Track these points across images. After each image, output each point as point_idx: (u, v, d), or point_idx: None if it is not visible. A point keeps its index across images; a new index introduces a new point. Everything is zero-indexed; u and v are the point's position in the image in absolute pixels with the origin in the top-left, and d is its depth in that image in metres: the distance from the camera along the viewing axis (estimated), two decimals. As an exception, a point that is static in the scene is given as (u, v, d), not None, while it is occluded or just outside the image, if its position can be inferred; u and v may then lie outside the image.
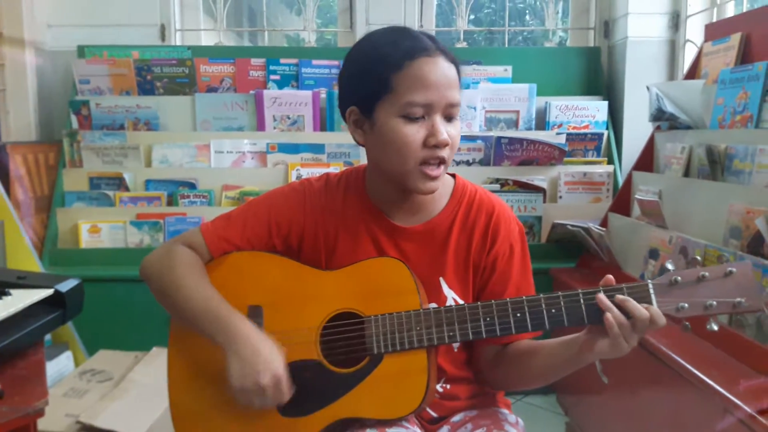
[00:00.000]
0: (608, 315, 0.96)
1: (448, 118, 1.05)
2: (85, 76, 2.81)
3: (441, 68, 1.03)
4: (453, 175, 1.19)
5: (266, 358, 1.01)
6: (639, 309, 0.96)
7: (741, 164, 1.80)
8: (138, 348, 2.07)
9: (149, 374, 1.88)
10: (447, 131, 1.04)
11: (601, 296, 0.98)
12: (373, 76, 1.03)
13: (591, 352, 1.00)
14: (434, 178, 1.06)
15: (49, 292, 1.34)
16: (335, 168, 2.68)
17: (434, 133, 1.03)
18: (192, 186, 2.67)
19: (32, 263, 2.29)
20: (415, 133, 1.03)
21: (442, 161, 1.05)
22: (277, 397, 1.02)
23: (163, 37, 2.97)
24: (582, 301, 1.00)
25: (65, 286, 1.37)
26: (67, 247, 2.60)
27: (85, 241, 2.59)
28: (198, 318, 1.07)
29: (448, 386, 1.16)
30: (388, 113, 1.04)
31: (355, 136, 1.11)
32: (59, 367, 2.08)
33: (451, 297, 1.14)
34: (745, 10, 2.42)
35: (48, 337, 2.16)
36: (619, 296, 0.97)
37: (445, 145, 1.04)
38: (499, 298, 1.05)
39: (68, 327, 2.30)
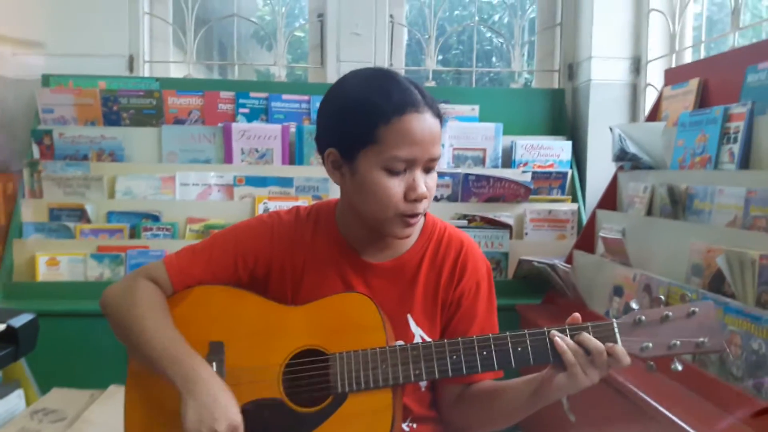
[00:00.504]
0: (558, 341, 0.97)
1: (427, 170, 1.06)
2: (49, 106, 2.76)
3: (427, 124, 1.03)
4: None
5: (223, 405, 0.98)
6: (592, 341, 0.97)
7: (701, 204, 1.84)
8: (94, 386, 1.99)
9: (105, 414, 1.80)
10: (426, 184, 1.05)
11: (553, 332, 0.99)
12: (359, 124, 1.03)
13: (551, 386, 1.00)
14: (411, 225, 1.07)
15: (1, 327, 1.29)
16: (303, 201, 2.67)
17: (414, 187, 1.03)
18: (155, 218, 2.62)
19: (-15, 296, 2.21)
20: (396, 186, 1.03)
21: (420, 214, 1.06)
22: None
23: (131, 68, 2.95)
24: (548, 339, 1.00)
25: (18, 321, 1.33)
26: (22, 280, 2.51)
27: (43, 273, 2.51)
28: (157, 359, 1.03)
29: (414, 425, 1.14)
30: (371, 163, 1.03)
31: (332, 176, 1.11)
32: (9, 406, 1.98)
33: (419, 334, 1.13)
34: (702, 57, 2.51)
35: (-2, 374, 2.07)
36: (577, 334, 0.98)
37: (423, 198, 1.05)
38: (463, 336, 1.05)
39: (20, 364, 2.20)
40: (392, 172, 1.03)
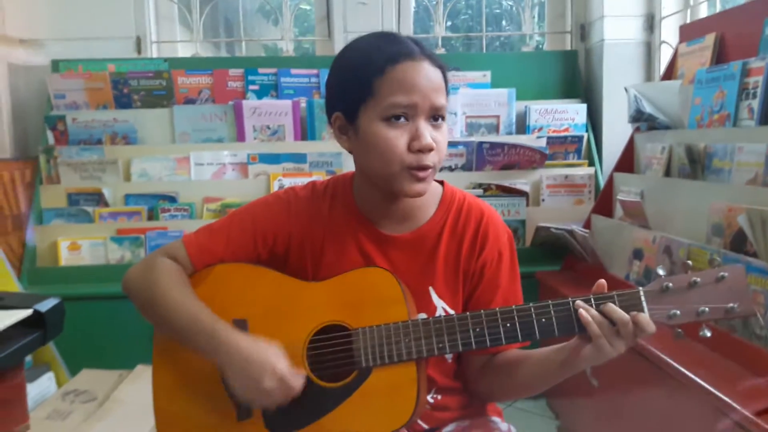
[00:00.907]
0: (583, 312, 0.96)
1: (434, 120, 1.03)
2: (60, 91, 2.77)
3: (425, 71, 1.01)
4: (441, 182, 1.18)
5: (261, 362, 0.99)
6: (617, 311, 0.95)
7: (720, 162, 1.81)
8: (122, 366, 2.03)
9: (134, 393, 1.84)
10: (432, 136, 1.02)
11: (578, 302, 0.98)
12: (356, 81, 1.02)
13: (578, 358, 0.99)
14: (422, 180, 1.03)
15: (28, 312, 1.31)
16: (317, 177, 2.67)
17: (417, 137, 1.00)
18: (172, 199, 2.64)
19: (10, 283, 2.24)
20: (398, 136, 1.01)
21: (428, 169, 1.03)
22: (287, 393, 1.00)
23: (139, 50, 2.94)
24: (572, 309, 0.99)
25: (45, 306, 1.34)
26: (46, 266, 2.55)
27: (65, 258, 2.54)
28: (184, 331, 1.05)
29: (439, 397, 1.15)
30: (371, 118, 1.02)
31: (340, 142, 1.10)
32: (41, 388, 2.03)
33: (441, 307, 1.12)
34: (718, 11, 2.45)
35: (28, 358, 2.11)
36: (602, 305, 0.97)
37: (429, 149, 1.01)
38: (486, 307, 1.05)
39: (49, 347, 2.25)
40: (393, 122, 1.01)
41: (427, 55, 1.03)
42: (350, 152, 1.11)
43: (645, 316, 0.95)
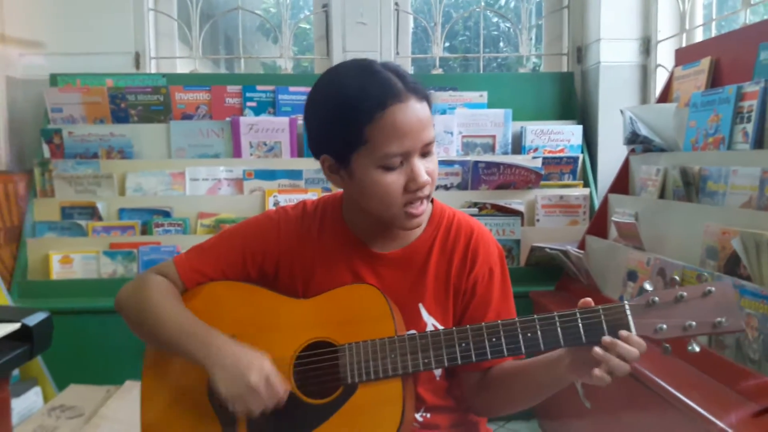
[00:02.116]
0: (598, 351, 0.94)
1: (425, 155, 1.04)
2: (57, 105, 2.77)
3: (413, 112, 1.00)
4: (431, 200, 1.18)
5: (250, 360, 1.00)
6: (630, 351, 0.93)
7: (715, 185, 1.82)
8: (110, 382, 2.02)
9: (122, 409, 1.82)
10: (426, 168, 1.03)
11: (595, 350, 0.94)
12: (345, 128, 1.00)
13: (577, 376, 0.99)
14: (418, 216, 1.05)
15: (16, 326, 1.30)
16: (313, 194, 2.67)
17: (414, 177, 1.01)
18: (167, 214, 2.63)
19: (0, 296, 2.22)
20: (395, 180, 1.01)
21: (425, 199, 1.05)
22: (271, 394, 1.00)
23: (137, 65, 2.95)
24: (558, 324, 0.98)
25: (33, 320, 1.33)
26: (37, 279, 2.53)
27: (56, 272, 2.53)
28: (176, 339, 1.05)
29: (428, 415, 1.14)
30: (365, 164, 1.01)
31: (331, 181, 1.10)
32: (27, 403, 2.01)
33: (431, 323, 1.12)
34: (713, 35, 2.47)
35: (15, 372, 2.09)
36: (607, 339, 0.94)
37: (425, 185, 1.03)
38: (479, 323, 1.04)
39: (37, 361, 2.23)
40: (388, 169, 1.01)
41: (411, 89, 1.01)
42: (341, 188, 1.11)
43: (637, 338, 0.94)
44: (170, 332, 1.06)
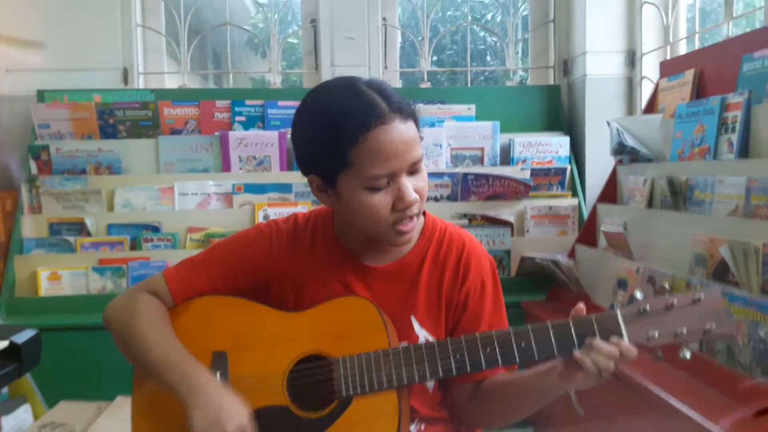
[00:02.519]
0: (578, 354, 0.96)
1: (413, 173, 1.03)
2: (45, 121, 2.76)
3: (398, 133, 0.99)
4: (423, 213, 1.18)
5: (230, 410, 0.98)
6: (604, 348, 0.96)
7: (702, 194, 1.84)
8: (101, 398, 1.99)
9: (113, 425, 1.80)
10: (414, 186, 1.02)
11: (576, 353, 0.97)
12: (330, 150, 1.00)
13: (569, 383, 1.00)
14: (407, 233, 1.05)
15: (5, 344, 1.29)
16: (303, 207, 2.67)
17: (401, 197, 1.01)
18: (156, 229, 2.62)
19: (-12, 314, 2.20)
20: (382, 200, 1.01)
21: (414, 216, 1.04)
22: None
23: (126, 81, 2.95)
24: (552, 333, 0.99)
25: (21, 338, 1.32)
26: (25, 296, 2.51)
27: (45, 288, 2.50)
28: (160, 368, 1.03)
29: (422, 427, 1.14)
30: (352, 186, 1.01)
31: (319, 199, 1.10)
32: (17, 421, 1.98)
33: (423, 336, 1.12)
34: (697, 48, 2.51)
35: (4, 390, 2.06)
36: (589, 340, 0.97)
37: (413, 204, 1.02)
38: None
39: (26, 379, 2.20)
40: (375, 189, 1.00)
41: (395, 109, 1.00)
42: (330, 207, 1.11)
43: (626, 344, 0.96)
44: (154, 360, 1.04)
